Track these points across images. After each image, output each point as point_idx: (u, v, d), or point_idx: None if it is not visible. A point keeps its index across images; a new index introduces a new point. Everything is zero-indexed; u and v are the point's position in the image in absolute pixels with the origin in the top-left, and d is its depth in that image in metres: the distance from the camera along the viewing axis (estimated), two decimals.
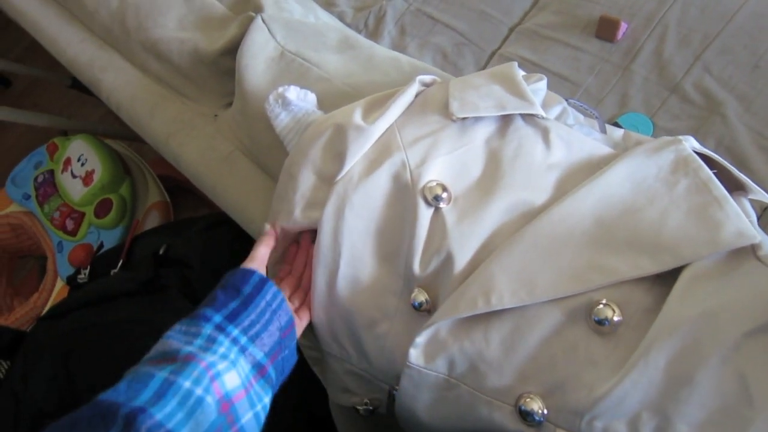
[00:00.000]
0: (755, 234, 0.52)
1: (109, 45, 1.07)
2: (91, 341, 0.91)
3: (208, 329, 0.53)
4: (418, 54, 1.09)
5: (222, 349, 0.52)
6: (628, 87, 0.98)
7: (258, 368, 0.55)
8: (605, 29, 1.02)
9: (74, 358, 0.88)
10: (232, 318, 0.55)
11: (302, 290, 0.68)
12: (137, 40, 0.97)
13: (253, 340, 0.55)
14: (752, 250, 0.53)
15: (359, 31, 1.12)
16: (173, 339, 0.52)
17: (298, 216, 0.65)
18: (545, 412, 0.52)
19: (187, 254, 1.01)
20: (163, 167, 1.51)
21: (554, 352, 0.53)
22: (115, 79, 1.04)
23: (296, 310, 0.66)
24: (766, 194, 0.62)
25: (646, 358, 0.48)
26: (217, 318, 0.54)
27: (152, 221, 1.38)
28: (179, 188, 1.53)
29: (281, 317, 0.59)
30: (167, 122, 0.97)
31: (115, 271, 1.12)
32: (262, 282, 0.59)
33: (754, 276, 0.50)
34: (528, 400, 0.52)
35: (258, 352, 0.55)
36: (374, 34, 1.12)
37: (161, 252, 1.04)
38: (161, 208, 1.42)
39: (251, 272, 0.60)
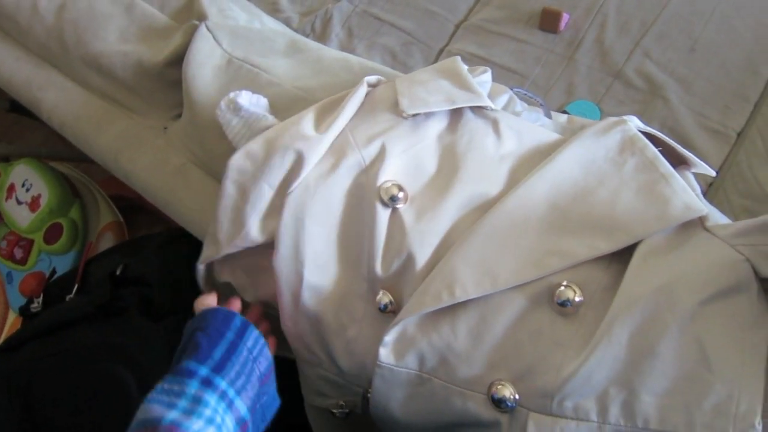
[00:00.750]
0: (702, 207, 0.54)
1: (47, 62, 1.03)
2: (51, 371, 0.87)
3: (193, 387, 0.49)
4: (367, 55, 1.09)
5: (208, 411, 0.48)
6: (573, 76, 1.01)
7: (240, 424, 0.51)
8: (548, 21, 1.04)
9: (34, 390, 0.84)
10: (219, 368, 0.51)
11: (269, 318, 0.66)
12: (77, 56, 0.94)
13: (239, 392, 0.52)
14: (700, 222, 0.55)
15: (306, 36, 1.11)
16: (155, 403, 0.47)
17: (253, 231, 0.63)
18: (517, 397, 0.52)
19: (145, 272, 0.99)
20: (113, 187, 1.46)
21: (520, 337, 0.54)
22: (56, 97, 1.00)
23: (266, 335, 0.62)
24: (708, 167, 0.65)
25: (609, 335, 0.49)
26: (203, 371, 0.50)
27: (106, 243, 1.34)
28: (132, 207, 1.49)
29: (261, 364, 0.56)
30: (115, 138, 0.94)
31: (71, 296, 1.08)
32: (244, 326, 0.56)
33: (704, 246, 0.52)
34: (499, 387, 0.53)
35: (242, 406, 0.52)
36: (322, 38, 1.12)
37: (118, 272, 1.01)
38: (115, 228, 1.38)
39: (232, 315, 0.57)
